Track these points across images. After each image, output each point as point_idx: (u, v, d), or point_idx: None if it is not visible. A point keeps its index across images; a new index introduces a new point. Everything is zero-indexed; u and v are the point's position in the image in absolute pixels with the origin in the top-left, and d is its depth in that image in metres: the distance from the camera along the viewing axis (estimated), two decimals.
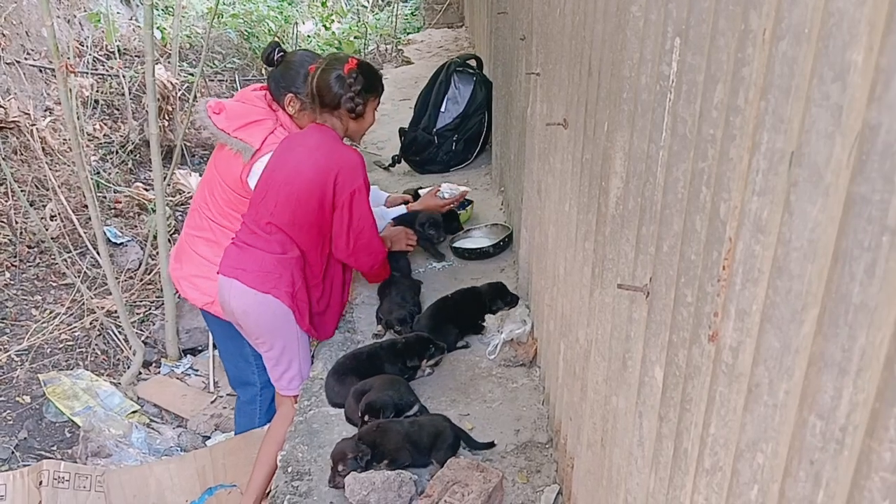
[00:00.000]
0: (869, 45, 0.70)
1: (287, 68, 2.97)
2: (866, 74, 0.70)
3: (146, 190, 5.88)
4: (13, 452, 3.71)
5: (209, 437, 3.82)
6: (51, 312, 4.70)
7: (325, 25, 8.93)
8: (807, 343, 0.82)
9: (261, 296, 2.74)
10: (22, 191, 5.05)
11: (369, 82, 2.81)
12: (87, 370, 4.25)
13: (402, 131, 4.82)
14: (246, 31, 8.56)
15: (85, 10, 6.93)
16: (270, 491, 2.85)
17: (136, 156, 6.36)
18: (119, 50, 6.88)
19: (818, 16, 0.78)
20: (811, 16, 0.79)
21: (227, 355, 3.29)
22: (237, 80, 7.95)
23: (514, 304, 3.08)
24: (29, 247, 5.19)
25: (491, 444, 2.47)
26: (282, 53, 3.00)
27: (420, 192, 3.85)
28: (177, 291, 4.44)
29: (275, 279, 2.73)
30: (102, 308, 4.62)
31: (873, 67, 0.69)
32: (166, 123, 6.13)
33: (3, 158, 5.14)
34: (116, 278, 4.47)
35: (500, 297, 3.08)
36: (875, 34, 0.69)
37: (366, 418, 2.51)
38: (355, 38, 8.78)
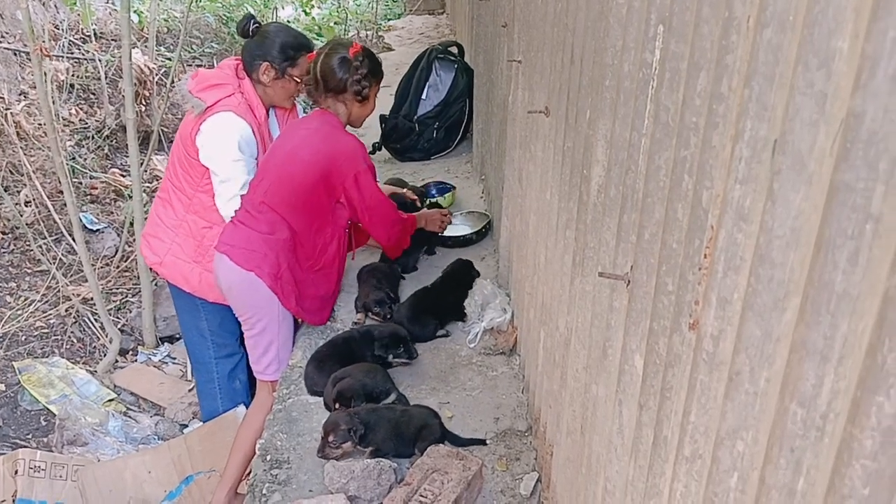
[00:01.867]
0: (854, 33, 0.70)
1: (262, 38, 2.97)
2: (851, 62, 0.70)
3: (123, 176, 5.80)
4: None
5: (187, 426, 3.80)
6: (25, 299, 4.63)
7: (304, 11, 8.86)
8: (788, 331, 0.82)
9: (244, 273, 2.74)
10: None
11: (373, 66, 2.87)
12: (63, 358, 4.20)
13: (382, 118, 4.80)
14: (224, 15, 8.46)
15: None
16: (248, 477, 2.85)
17: (112, 141, 6.27)
18: (95, 34, 6.78)
19: (803, 3, 0.77)
20: (796, 3, 0.79)
21: (185, 328, 3.34)
22: (215, 64, 7.85)
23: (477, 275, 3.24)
24: (3, 233, 5.11)
25: (482, 441, 2.46)
26: (256, 25, 3.02)
27: (410, 187, 3.85)
28: (154, 278, 4.40)
29: (259, 258, 2.73)
30: (78, 295, 4.56)
31: (859, 55, 0.69)
32: (143, 108, 6.05)
33: None
34: (92, 265, 4.42)
35: (471, 271, 3.21)
36: (861, 21, 0.69)
37: (336, 406, 2.50)
38: (335, 23, 8.71)
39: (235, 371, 3.27)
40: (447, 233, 3.72)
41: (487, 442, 2.45)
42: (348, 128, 2.93)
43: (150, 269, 3.19)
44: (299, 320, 3.06)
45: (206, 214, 2.99)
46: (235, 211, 2.85)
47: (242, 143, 2.87)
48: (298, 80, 2.95)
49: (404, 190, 3.74)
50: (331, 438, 2.32)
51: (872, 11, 0.67)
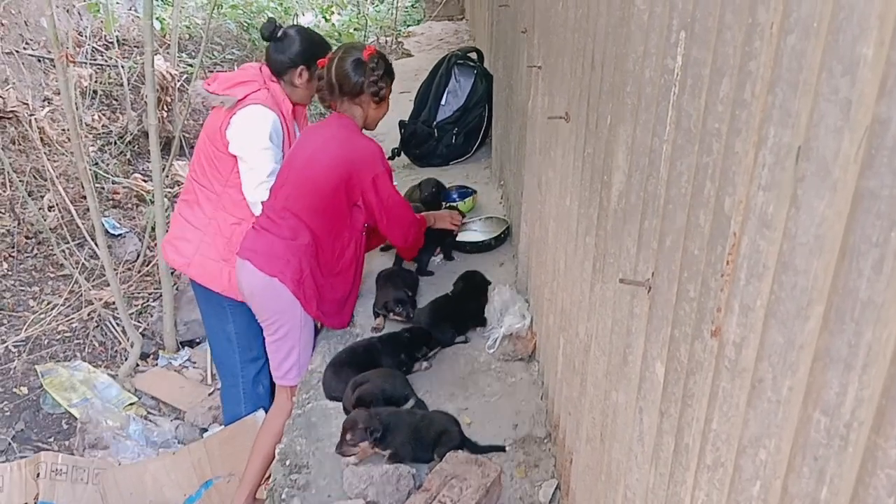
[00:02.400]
0: (880, 39, 0.69)
1: (288, 44, 3.05)
2: (876, 68, 0.70)
3: (144, 181, 5.86)
4: (10, 444, 3.71)
5: (206, 430, 3.82)
6: (48, 303, 4.69)
7: (325, 17, 8.91)
8: (812, 339, 0.81)
9: (267, 279, 2.77)
10: (20, 181, 5.03)
11: (388, 67, 2.90)
12: (85, 361, 4.24)
13: (401, 124, 4.81)
14: (245, 21, 8.54)
15: (84, 0, 6.90)
16: (267, 482, 2.86)
17: (134, 147, 6.34)
18: (118, 40, 6.86)
19: (828, 9, 0.77)
20: (821, 9, 0.79)
21: (211, 331, 3.36)
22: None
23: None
24: (27, 237, 5.17)
25: (501, 448, 2.46)
26: (281, 29, 3.09)
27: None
28: (175, 282, 4.43)
29: (282, 264, 2.76)
30: (100, 299, 4.61)
31: (884, 61, 0.69)
32: (165, 114, 6.11)
33: (2, 148, 5.12)
34: (114, 270, 4.46)
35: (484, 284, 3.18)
36: (886, 28, 0.69)
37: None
38: (355, 29, 8.76)
39: (259, 376, 3.28)
40: (467, 238, 3.72)
41: (506, 448, 2.45)
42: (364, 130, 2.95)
43: (176, 271, 3.20)
44: (319, 325, 3.07)
45: (236, 210, 3.03)
46: (262, 203, 2.90)
47: (273, 133, 2.95)
48: (320, 66, 2.97)
49: None
50: (348, 436, 2.33)
51: None
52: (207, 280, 3.09)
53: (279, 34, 3.05)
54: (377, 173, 2.79)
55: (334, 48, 3.00)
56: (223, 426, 3.60)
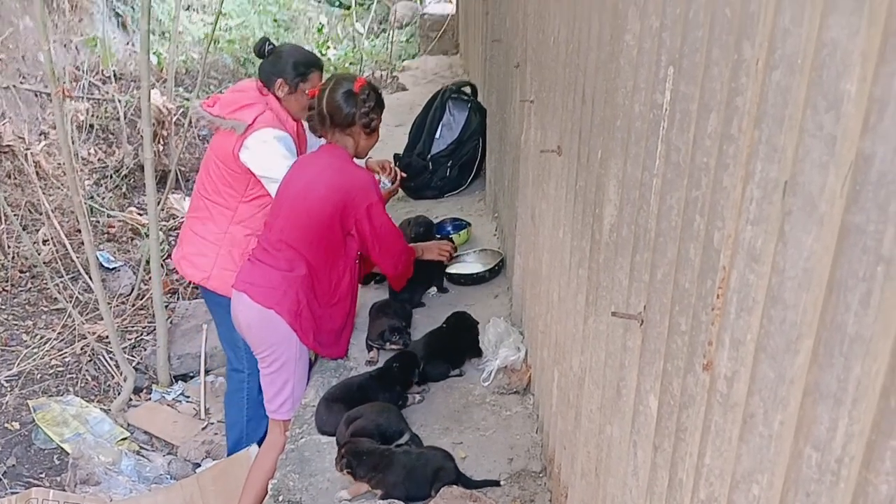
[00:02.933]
0: (862, 76, 0.70)
1: (276, 58, 3.16)
2: (860, 104, 0.71)
3: (140, 214, 5.86)
4: (1, 479, 3.66)
5: (199, 465, 3.78)
6: (42, 338, 4.66)
7: (321, 52, 8.99)
8: (802, 373, 0.81)
9: (264, 311, 2.77)
10: (15, 215, 5.03)
11: (379, 98, 2.91)
12: (78, 396, 4.20)
13: (396, 157, 4.82)
14: (242, 56, 8.60)
15: (82, 35, 6.96)
16: None
17: (130, 180, 6.35)
18: (115, 75, 6.90)
19: (811, 46, 0.78)
20: (804, 46, 0.80)
21: (222, 338, 3.41)
22: None
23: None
24: (21, 271, 5.16)
25: (495, 483, 2.44)
26: (272, 46, 3.20)
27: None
28: (169, 316, 4.41)
29: (279, 296, 2.75)
30: (94, 333, 4.58)
31: (867, 97, 0.70)
32: (161, 148, 6.13)
33: None
34: (108, 303, 4.45)
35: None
36: (868, 65, 0.69)
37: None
38: (351, 64, 8.83)
39: None
40: (461, 270, 3.72)
41: (501, 483, 2.43)
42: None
43: (199, 284, 3.25)
44: (313, 357, 3.06)
45: (250, 223, 3.12)
46: (257, 236, 2.96)
47: (287, 150, 3.05)
48: (311, 95, 3.01)
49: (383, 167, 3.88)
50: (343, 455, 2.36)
51: (880, 55, 0.68)
52: (227, 290, 3.10)
53: (266, 51, 3.18)
54: (371, 202, 2.79)
55: (323, 65, 3.08)
56: (216, 461, 3.57)
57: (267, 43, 3.20)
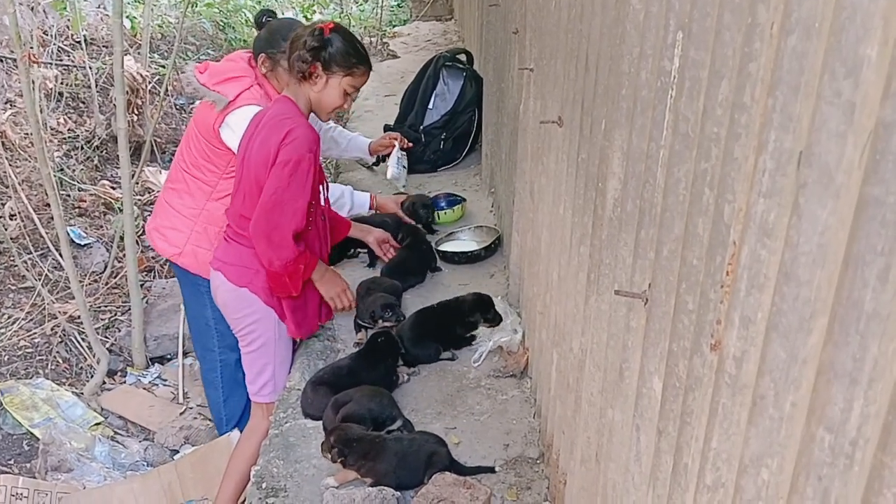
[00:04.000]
0: (884, 39, 0.70)
1: (270, 31, 3.14)
2: (880, 70, 0.71)
3: (113, 188, 5.83)
4: None
5: (178, 451, 3.79)
6: (9, 317, 4.65)
7: (305, 16, 8.93)
8: (815, 353, 0.82)
9: (237, 290, 2.77)
10: None
11: (338, 51, 2.66)
12: (48, 379, 4.20)
13: (387, 128, 4.82)
14: (222, 21, 8.53)
15: None
16: None
17: (102, 152, 6.31)
18: (86, 40, 6.83)
19: (830, 9, 0.78)
20: (822, 9, 0.80)
21: (191, 316, 3.43)
22: None
23: (496, 322, 3.01)
24: None
25: (490, 469, 2.45)
26: (270, 18, 3.19)
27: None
28: (144, 295, 4.41)
29: (251, 274, 2.74)
30: (65, 313, 4.57)
31: (888, 63, 0.70)
32: (135, 118, 6.09)
33: None
34: (80, 281, 4.43)
35: (479, 311, 3.02)
36: (890, 28, 0.70)
37: None
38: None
39: (239, 362, 3.29)
40: (456, 248, 3.73)
41: (496, 470, 2.45)
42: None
43: (170, 259, 3.25)
44: (297, 341, 3.06)
45: (228, 201, 3.04)
46: (225, 211, 2.90)
47: None
48: None
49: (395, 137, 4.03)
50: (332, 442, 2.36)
51: None
52: (199, 268, 3.12)
53: (263, 21, 3.18)
54: (302, 157, 2.56)
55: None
56: (195, 447, 3.58)
57: (267, 14, 3.19)
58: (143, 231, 4.92)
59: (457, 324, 3.05)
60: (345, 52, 2.68)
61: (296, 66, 2.64)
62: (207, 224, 3.13)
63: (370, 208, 3.82)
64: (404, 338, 2.97)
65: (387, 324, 3.04)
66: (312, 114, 2.77)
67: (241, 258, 2.76)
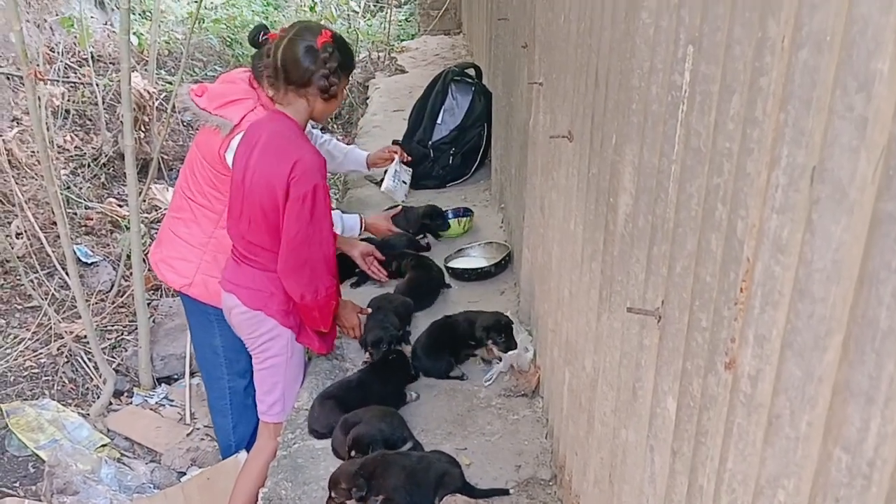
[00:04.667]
0: (895, 54, 0.71)
1: (265, 47, 3.00)
2: (892, 85, 0.71)
3: (120, 206, 5.87)
4: None
5: (184, 473, 3.79)
6: (15, 337, 4.67)
7: None
8: (831, 371, 0.82)
9: (251, 312, 2.77)
10: None
11: (345, 59, 2.69)
12: (54, 400, 4.22)
13: (395, 144, 4.83)
14: (228, 37, 8.60)
15: (57, 15, 6.96)
16: None
17: (109, 169, 6.36)
18: (93, 56, 6.91)
19: (840, 23, 0.79)
20: (833, 23, 0.80)
21: (198, 344, 3.40)
22: None
23: (506, 346, 2.96)
24: None
25: (504, 491, 2.44)
26: (266, 35, 3.04)
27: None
28: (152, 314, 4.43)
29: (265, 297, 2.74)
30: (71, 333, 4.59)
31: None
32: (142, 135, 6.13)
33: None
34: (86, 301, 4.46)
35: (494, 331, 3.00)
36: None
37: (352, 453, 2.50)
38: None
39: (248, 388, 3.29)
40: (465, 265, 3.74)
41: (510, 491, 2.44)
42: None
43: (178, 290, 3.23)
44: (308, 358, 3.07)
45: None
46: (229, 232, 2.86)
47: None
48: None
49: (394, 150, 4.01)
50: (333, 494, 2.33)
51: None
52: (209, 298, 3.10)
53: (260, 40, 3.03)
54: (318, 184, 2.56)
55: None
56: (202, 469, 3.58)
57: (262, 31, 3.03)
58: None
59: (469, 338, 3.05)
60: (347, 56, 2.72)
61: (318, 85, 2.60)
62: (217, 252, 3.09)
63: (361, 230, 3.82)
64: (418, 348, 3.00)
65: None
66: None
67: (255, 281, 2.75)
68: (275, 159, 2.58)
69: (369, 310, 3.18)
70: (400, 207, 4.04)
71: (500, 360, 2.96)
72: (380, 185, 4.73)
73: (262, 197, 2.60)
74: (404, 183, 4.20)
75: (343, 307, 3.03)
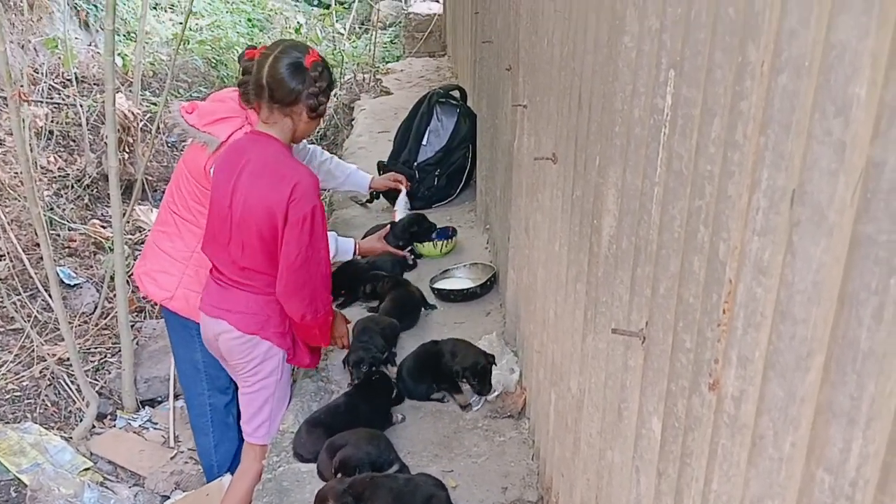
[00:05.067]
0: (872, 79, 0.72)
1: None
2: (870, 109, 0.72)
3: (103, 227, 5.84)
4: None
5: (168, 497, 3.76)
6: None
7: None
8: (813, 392, 0.83)
9: (246, 337, 2.73)
10: None
11: (331, 78, 2.71)
12: (36, 423, 4.17)
13: (380, 165, 4.84)
14: (214, 58, 8.62)
15: (41, 36, 6.95)
16: None
17: (93, 191, 6.33)
18: (77, 77, 6.89)
19: (819, 48, 0.80)
20: (811, 48, 0.82)
21: (179, 359, 3.39)
22: None
23: (481, 390, 2.88)
24: None
25: None
26: (248, 53, 3.07)
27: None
28: (135, 336, 4.40)
29: (262, 321, 2.72)
30: (54, 355, 4.55)
31: (877, 102, 0.71)
32: (126, 156, 6.12)
33: None
34: (69, 323, 4.42)
35: (470, 372, 2.87)
36: (878, 68, 0.71)
37: (338, 476, 2.48)
38: (332, 66, 8.87)
39: (229, 406, 3.28)
40: (451, 286, 3.74)
41: None
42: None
43: (160, 304, 3.23)
44: (294, 378, 3.07)
45: None
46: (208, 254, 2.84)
47: None
48: (248, 56, 2.92)
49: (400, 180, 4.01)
50: None
51: (890, 57, 0.70)
52: (190, 312, 3.10)
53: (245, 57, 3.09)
54: (316, 204, 2.57)
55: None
56: (185, 493, 3.55)
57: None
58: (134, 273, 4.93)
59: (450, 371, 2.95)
60: (331, 76, 2.73)
61: (307, 104, 2.60)
62: (199, 267, 3.09)
63: (354, 254, 3.81)
64: (404, 370, 3.01)
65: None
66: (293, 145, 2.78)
67: (249, 306, 2.71)
68: (271, 184, 2.55)
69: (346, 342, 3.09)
70: (388, 225, 4.05)
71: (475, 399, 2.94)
72: (364, 206, 4.75)
73: (259, 222, 2.56)
74: (408, 212, 4.24)
75: (337, 326, 3.02)
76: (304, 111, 2.63)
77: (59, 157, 6.41)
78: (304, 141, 3.69)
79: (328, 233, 3.69)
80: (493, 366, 2.92)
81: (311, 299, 2.66)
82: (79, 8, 7.73)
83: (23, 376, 4.49)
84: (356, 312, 3.53)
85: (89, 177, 6.28)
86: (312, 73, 2.59)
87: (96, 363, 4.72)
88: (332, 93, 2.78)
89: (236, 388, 3.21)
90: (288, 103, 2.60)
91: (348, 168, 3.99)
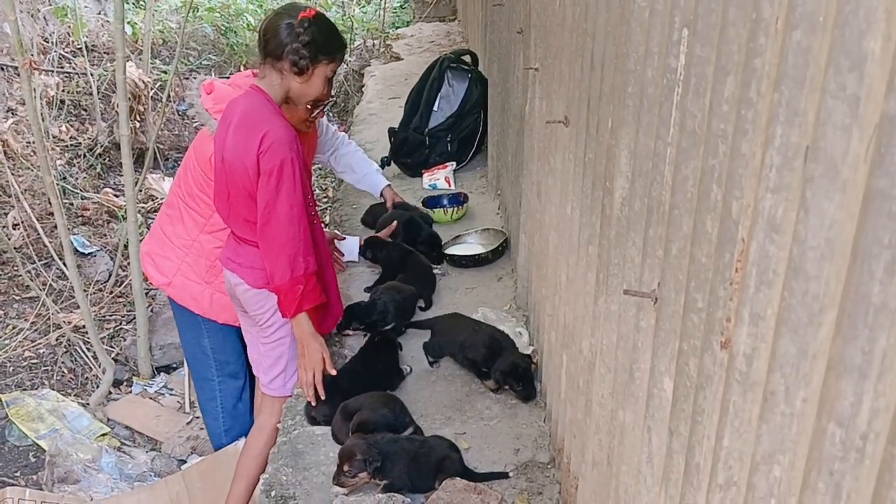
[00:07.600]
0: (887, 34, 0.72)
1: None
2: (884, 64, 0.72)
3: (116, 196, 5.87)
4: None
5: (185, 461, 3.81)
6: (13, 328, 4.68)
7: None
8: (825, 347, 0.83)
9: (254, 290, 2.75)
10: None
11: (323, 40, 2.64)
12: (53, 390, 4.23)
13: (391, 132, 4.84)
14: (223, 25, 8.58)
15: (50, 5, 6.93)
16: None
17: (105, 159, 6.36)
18: (87, 46, 6.88)
19: (833, 3, 0.79)
20: (826, 3, 0.81)
21: (186, 343, 3.39)
22: (213, 77, 7.96)
23: (528, 395, 2.75)
24: None
25: (504, 475, 2.46)
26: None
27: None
28: (150, 304, 4.43)
29: (266, 275, 2.72)
30: (69, 323, 4.60)
31: (892, 56, 0.71)
32: (138, 125, 6.13)
33: None
34: (84, 291, 4.46)
35: (512, 377, 2.76)
36: (893, 22, 0.71)
37: None
38: (341, 32, 8.82)
39: (240, 391, 3.30)
40: (462, 251, 3.75)
41: (510, 475, 2.45)
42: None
43: (156, 288, 3.23)
44: None
45: (222, 235, 3.00)
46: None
47: None
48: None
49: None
50: (346, 468, 2.33)
51: None
52: (188, 301, 3.12)
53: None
54: (286, 157, 2.49)
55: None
56: (202, 457, 3.60)
57: None
58: None
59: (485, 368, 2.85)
60: (329, 39, 2.68)
61: (289, 59, 2.58)
62: (198, 257, 3.09)
63: (379, 195, 3.83)
64: (435, 327, 3.04)
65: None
66: (320, 156, 2.74)
67: (255, 260, 2.71)
68: (244, 136, 2.54)
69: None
70: (395, 223, 3.76)
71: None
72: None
73: (241, 177, 2.55)
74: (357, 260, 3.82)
75: (310, 342, 2.71)
76: (288, 67, 2.60)
77: (71, 126, 6.43)
78: (333, 128, 3.68)
79: (351, 238, 3.63)
80: (533, 364, 2.81)
81: (277, 260, 2.56)
82: None
83: (39, 344, 4.55)
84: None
85: (101, 146, 6.30)
86: (298, 29, 2.57)
87: (112, 330, 4.77)
88: (328, 57, 2.67)
89: (248, 374, 3.23)
90: (276, 57, 2.61)
91: (368, 167, 3.82)
